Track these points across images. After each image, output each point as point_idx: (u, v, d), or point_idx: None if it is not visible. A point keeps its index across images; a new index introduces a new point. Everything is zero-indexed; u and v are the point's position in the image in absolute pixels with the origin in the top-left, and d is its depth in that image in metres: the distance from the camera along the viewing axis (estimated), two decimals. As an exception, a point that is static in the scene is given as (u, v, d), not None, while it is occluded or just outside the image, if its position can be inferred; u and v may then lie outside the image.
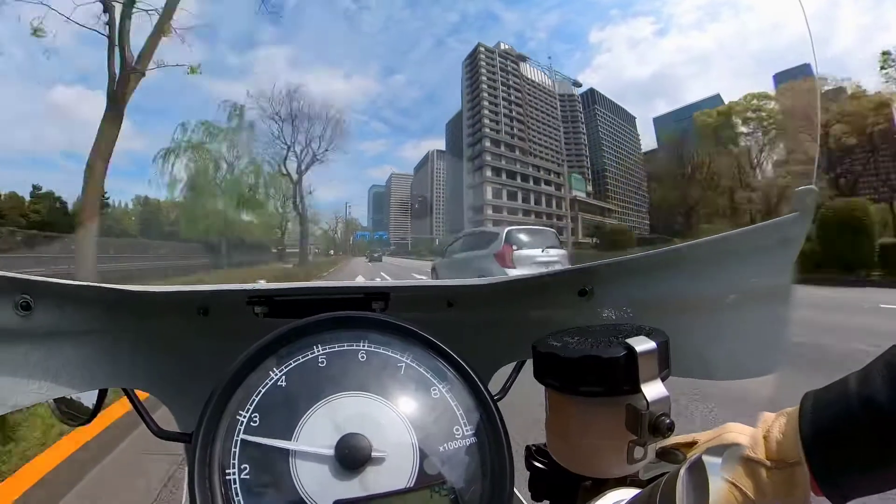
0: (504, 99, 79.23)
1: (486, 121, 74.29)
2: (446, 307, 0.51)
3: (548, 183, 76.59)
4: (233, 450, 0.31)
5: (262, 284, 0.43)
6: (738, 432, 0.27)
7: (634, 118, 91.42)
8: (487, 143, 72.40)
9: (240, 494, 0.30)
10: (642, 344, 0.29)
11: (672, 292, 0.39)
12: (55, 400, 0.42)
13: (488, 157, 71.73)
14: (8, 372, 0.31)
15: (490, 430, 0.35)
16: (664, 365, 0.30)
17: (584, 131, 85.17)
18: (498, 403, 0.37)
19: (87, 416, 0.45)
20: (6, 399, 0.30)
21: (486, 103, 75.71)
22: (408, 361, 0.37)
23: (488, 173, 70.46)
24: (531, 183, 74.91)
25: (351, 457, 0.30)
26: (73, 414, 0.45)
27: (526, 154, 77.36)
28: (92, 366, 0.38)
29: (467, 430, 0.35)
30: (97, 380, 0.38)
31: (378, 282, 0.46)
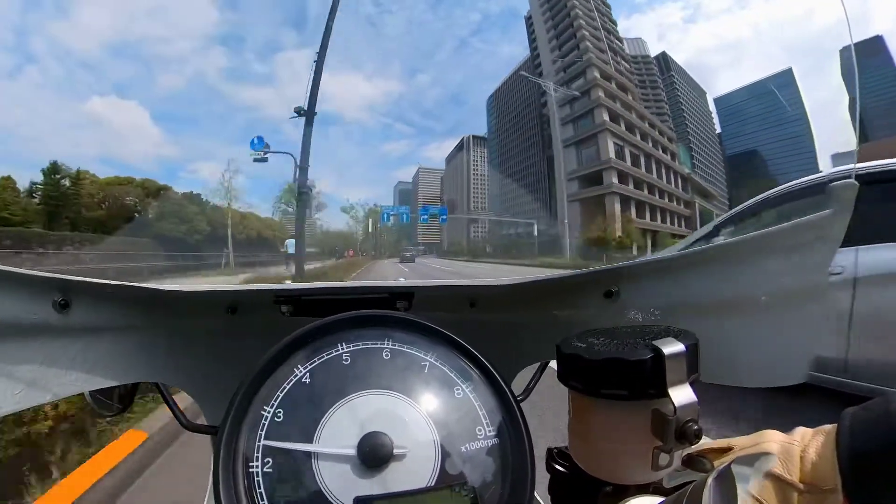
0: (603, 27, 54.55)
1: (590, 44, 49.23)
2: (470, 307, 0.50)
3: (664, 150, 51.55)
4: (257, 443, 0.31)
5: (288, 284, 0.44)
6: (773, 441, 0.25)
7: (705, 92, 70.08)
8: (596, 75, 47.05)
9: (262, 486, 0.30)
10: (670, 346, 0.27)
11: (702, 293, 0.37)
12: (90, 391, 0.44)
13: (601, 94, 46.46)
14: (49, 364, 0.32)
15: (512, 431, 0.35)
16: (693, 369, 0.28)
17: (665, 99, 61.08)
18: (521, 404, 0.36)
19: (120, 407, 0.47)
20: (47, 389, 0.32)
21: (583, 22, 50.61)
22: (431, 360, 0.36)
23: (605, 116, 45.08)
24: (650, 144, 49.52)
25: (372, 454, 0.30)
26: (107, 404, 0.47)
27: (637, 100, 52.17)
28: (126, 360, 0.39)
29: (489, 431, 0.34)
30: (130, 374, 0.40)
31: (402, 281, 0.46)
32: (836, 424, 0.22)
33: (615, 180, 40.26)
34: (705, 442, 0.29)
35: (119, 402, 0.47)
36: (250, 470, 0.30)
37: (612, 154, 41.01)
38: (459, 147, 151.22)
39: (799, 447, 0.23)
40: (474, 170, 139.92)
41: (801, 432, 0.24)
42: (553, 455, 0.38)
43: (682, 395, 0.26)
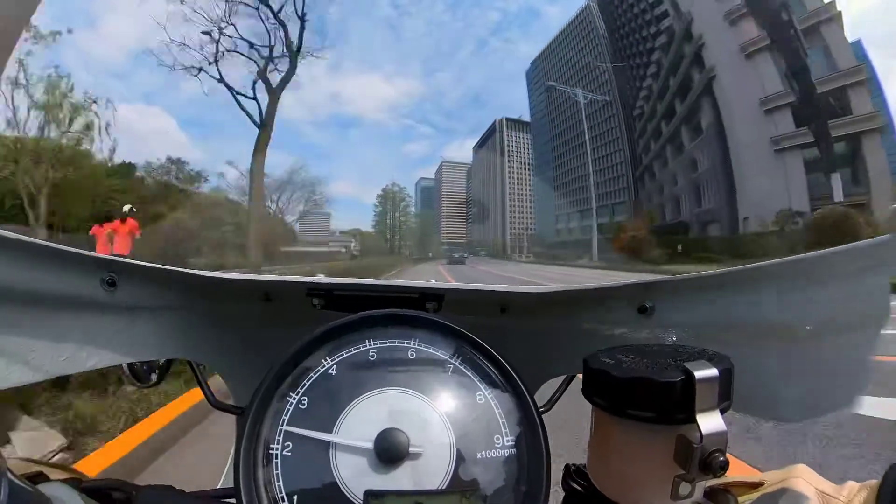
0: None
1: None
2: (499, 313, 0.49)
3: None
4: (279, 427, 0.32)
5: (321, 278, 0.45)
6: (807, 481, 0.24)
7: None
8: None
9: (279, 469, 0.31)
10: (703, 370, 0.26)
11: (742, 316, 0.35)
12: (128, 364, 0.46)
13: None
14: (93, 337, 0.35)
15: (531, 443, 0.34)
16: (725, 396, 0.27)
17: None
18: (543, 416, 0.36)
19: (154, 380, 0.50)
20: (90, 358, 0.34)
21: None
22: (456, 364, 0.36)
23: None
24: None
25: (388, 451, 0.31)
26: (141, 377, 0.49)
27: None
28: (164, 338, 0.41)
29: (508, 440, 0.34)
30: (166, 350, 0.42)
31: (433, 283, 0.46)
32: (880, 480, 0.21)
33: (871, 107, 20.43)
34: (731, 475, 0.28)
35: (153, 376, 0.49)
36: (270, 452, 0.32)
37: (853, 60, 21.17)
38: (490, 133, 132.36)
39: (844, 502, 0.22)
40: (509, 158, 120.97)
41: (849, 487, 0.23)
42: (570, 472, 0.37)
43: (710, 422, 0.25)
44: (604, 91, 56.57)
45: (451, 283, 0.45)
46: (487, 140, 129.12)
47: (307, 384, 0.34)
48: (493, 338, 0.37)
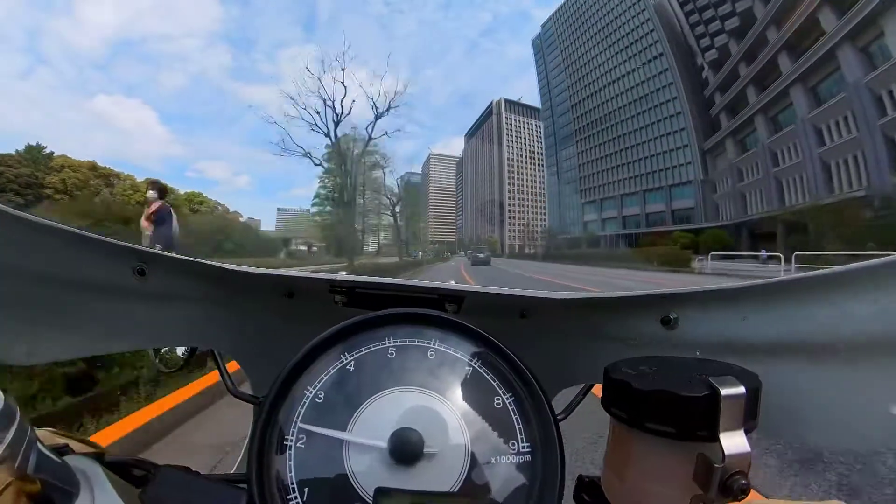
0: None
1: None
2: (519, 318, 0.49)
3: None
4: (295, 420, 0.33)
5: (343, 275, 0.46)
6: None
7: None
8: None
9: (292, 460, 0.32)
10: (729, 386, 0.25)
11: (771, 332, 0.34)
12: (154, 349, 0.49)
13: None
14: (122, 322, 0.37)
15: (547, 451, 0.34)
16: (751, 416, 0.26)
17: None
18: (560, 424, 0.36)
19: (178, 366, 0.53)
20: (118, 341, 0.37)
21: None
22: (475, 366, 0.36)
23: None
24: None
25: (401, 450, 0.31)
26: (167, 362, 0.52)
27: None
28: (189, 327, 0.44)
29: (523, 447, 0.34)
30: (191, 339, 0.45)
31: (453, 284, 0.46)
32: None
33: None
34: (754, 499, 0.26)
35: (177, 362, 0.52)
36: (285, 442, 0.32)
37: None
38: (486, 116, 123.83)
39: None
40: (508, 143, 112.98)
41: None
42: (583, 484, 0.36)
43: (734, 442, 0.24)
44: (648, 33, 48.95)
45: (472, 286, 0.45)
46: (482, 125, 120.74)
47: (325, 378, 0.34)
48: (512, 342, 0.37)
